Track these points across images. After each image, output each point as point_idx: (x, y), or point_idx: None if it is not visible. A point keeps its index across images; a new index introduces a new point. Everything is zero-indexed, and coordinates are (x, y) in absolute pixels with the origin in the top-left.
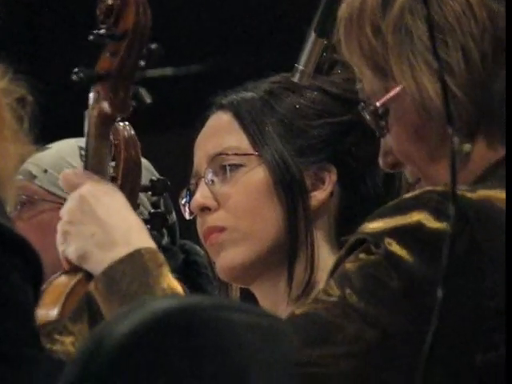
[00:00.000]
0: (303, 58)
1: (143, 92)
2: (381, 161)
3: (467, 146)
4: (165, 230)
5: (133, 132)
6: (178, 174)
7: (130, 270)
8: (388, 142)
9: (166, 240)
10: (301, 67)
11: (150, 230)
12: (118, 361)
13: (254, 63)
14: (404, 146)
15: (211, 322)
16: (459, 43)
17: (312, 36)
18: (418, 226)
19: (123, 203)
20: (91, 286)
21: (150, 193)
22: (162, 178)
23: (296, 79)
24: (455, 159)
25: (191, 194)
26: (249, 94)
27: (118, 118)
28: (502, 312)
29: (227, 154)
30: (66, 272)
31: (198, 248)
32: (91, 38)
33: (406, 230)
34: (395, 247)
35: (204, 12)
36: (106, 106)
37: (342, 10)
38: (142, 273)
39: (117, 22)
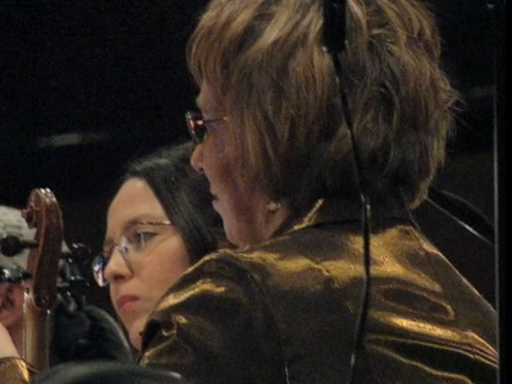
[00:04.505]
0: None
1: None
2: (192, 162)
3: (273, 205)
4: (71, 297)
5: (54, 199)
6: (87, 241)
7: None
8: (200, 149)
9: (72, 306)
10: None
11: (71, 297)
12: None
13: (163, 131)
14: (213, 178)
15: None
16: (290, 114)
17: None
18: (204, 295)
19: None
20: None
21: (70, 260)
22: (82, 245)
23: None
24: (368, 227)
25: (104, 261)
26: (163, 161)
27: None
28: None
29: (141, 223)
30: None
31: (104, 314)
32: None
33: (193, 302)
34: (185, 321)
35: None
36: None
37: (209, 17)
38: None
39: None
